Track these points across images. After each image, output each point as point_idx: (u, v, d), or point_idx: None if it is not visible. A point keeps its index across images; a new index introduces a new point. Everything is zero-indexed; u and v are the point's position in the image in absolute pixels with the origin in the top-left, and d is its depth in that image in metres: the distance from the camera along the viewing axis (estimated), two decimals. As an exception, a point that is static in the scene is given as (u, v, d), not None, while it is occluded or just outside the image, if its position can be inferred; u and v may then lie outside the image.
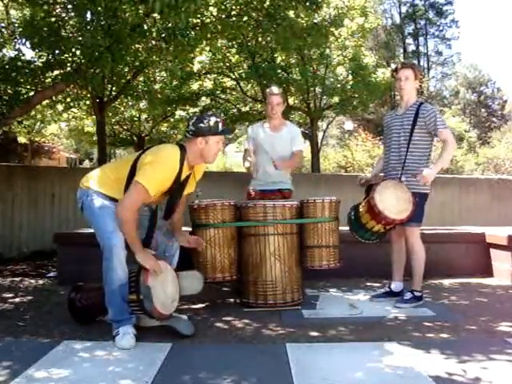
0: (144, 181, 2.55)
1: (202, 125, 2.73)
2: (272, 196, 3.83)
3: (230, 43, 11.40)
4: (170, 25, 5.05)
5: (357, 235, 3.51)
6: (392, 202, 3.23)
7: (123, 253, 2.60)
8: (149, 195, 2.59)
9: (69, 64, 5.52)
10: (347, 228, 3.56)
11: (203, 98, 14.74)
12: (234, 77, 13.97)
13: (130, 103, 13.33)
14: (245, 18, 6.68)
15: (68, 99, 8.78)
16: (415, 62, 32.78)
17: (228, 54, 12.89)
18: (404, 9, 34.31)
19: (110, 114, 13.42)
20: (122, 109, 14.22)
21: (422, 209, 3.41)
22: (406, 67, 3.48)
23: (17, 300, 3.65)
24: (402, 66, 3.52)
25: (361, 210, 3.42)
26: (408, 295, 3.39)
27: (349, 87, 13.55)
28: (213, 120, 2.74)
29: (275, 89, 4.01)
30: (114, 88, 10.19)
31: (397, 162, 3.43)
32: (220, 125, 2.78)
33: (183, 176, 2.75)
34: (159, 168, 2.61)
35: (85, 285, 3.07)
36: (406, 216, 3.22)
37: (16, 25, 5.91)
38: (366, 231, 3.43)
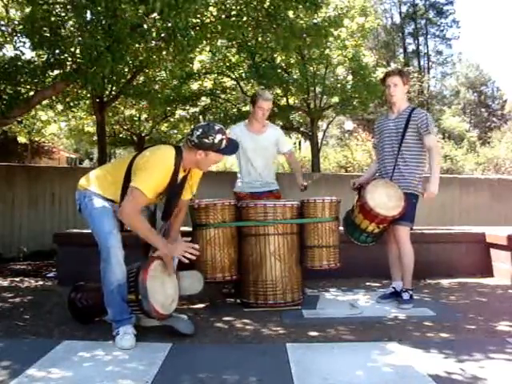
0: (140, 185, 2.54)
1: (206, 140, 2.66)
2: (264, 197, 3.82)
3: (229, 43, 11.40)
4: (169, 25, 5.04)
5: (352, 238, 3.53)
6: (383, 199, 3.27)
7: (121, 253, 2.60)
8: (147, 198, 2.60)
9: (69, 64, 5.52)
10: (346, 228, 3.57)
11: (203, 98, 14.74)
12: (233, 77, 13.98)
13: (131, 103, 13.32)
14: (245, 18, 6.67)
15: (68, 99, 8.77)
16: (414, 62, 32.82)
17: (228, 54, 12.89)
18: (404, 8, 34.31)
19: (110, 113, 13.41)
20: (122, 108, 14.21)
21: (414, 209, 3.43)
22: (393, 74, 3.52)
23: (17, 300, 3.65)
24: (389, 74, 3.56)
25: (354, 211, 3.44)
26: (406, 295, 3.40)
27: (349, 87, 13.56)
28: (218, 138, 2.68)
29: (268, 94, 3.93)
30: (113, 88, 10.18)
31: (391, 165, 3.46)
32: (224, 142, 2.72)
33: (179, 177, 2.75)
34: (154, 171, 2.60)
35: (85, 284, 3.08)
36: (398, 212, 3.25)
37: (16, 22, 5.90)
38: (360, 233, 3.46)
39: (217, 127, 2.72)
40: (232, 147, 2.85)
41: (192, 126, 16.48)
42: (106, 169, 2.96)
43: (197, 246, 2.72)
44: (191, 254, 2.66)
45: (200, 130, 2.69)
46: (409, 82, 3.60)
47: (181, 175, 2.75)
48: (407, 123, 3.41)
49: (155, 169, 2.61)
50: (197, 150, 2.70)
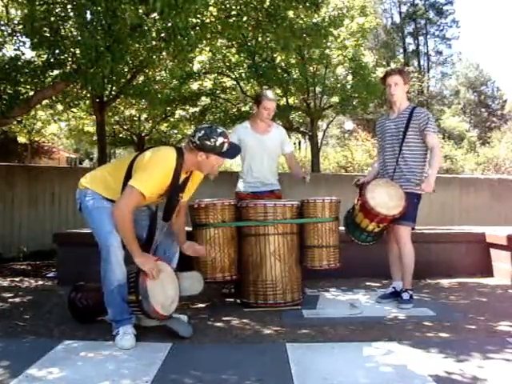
0: (138, 185, 2.55)
1: (207, 142, 2.67)
2: (265, 197, 3.83)
3: (229, 43, 11.40)
4: (169, 25, 5.04)
5: (353, 237, 3.53)
6: (383, 198, 3.26)
7: (121, 253, 2.60)
8: (143, 198, 2.60)
9: (69, 64, 5.52)
10: (347, 228, 3.57)
11: (203, 98, 14.74)
12: (233, 76, 13.98)
13: (130, 103, 13.32)
14: (245, 18, 6.67)
15: (68, 99, 8.77)
16: (414, 61, 32.83)
17: (228, 54, 12.89)
18: (404, 8, 34.34)
19: (110, 113, 13.41)
20: (122, 108, 14.22)
21: (416, 208, 3.43)
22: (393, 73, 3.52)
23: (17, 300, 3.65)
24: (390, 73, 3.56)
25: (355, 210, 3.44)
26: (406, 295, 3.39)
27: (349, 87, 13.57)
28: (220, 140, 2.68)
29: (272, 94, 3.93)
30: (113, 88, 10.18)
31: (392, 164, 3.46)
32: (225, 146, 2.72)
33: (181, 179, 2.75)
34: (153, 171, 2.61)
35: (85, 285, 3.08)
36: (399, 212, 3.24)
37: (16, 22, 5.90)
38: (361, 232, 3.45)
39: (219, 130, 2.72)
40: (233, 151, 2.85)
41: (193, 127, 16.53)
42: (106, 169, 2.96)
43: (160, 272, 2.65)
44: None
45: (202, 132, 2.69)
46: (409, 81, 3.59)
47: (182, 177, 2.76)
48: (408, 123, 3.41)
49: (155, 169, 2.62)
50: (198, 152, 2.70)
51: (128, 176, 2.65)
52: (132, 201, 2.57)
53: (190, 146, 2.72)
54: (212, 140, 2.67)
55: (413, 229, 3.46)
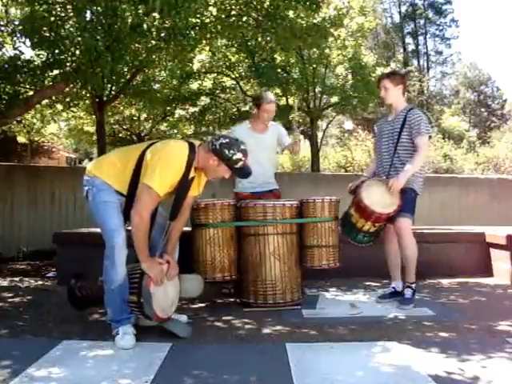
0: (154, 185, 2.51)
1: (226, 151, 2.64)
2: (264, 197, 3.81)
3: (229, 43, 11.41)
4: (169, 25, 5.04)
5: (349, 237, 3.52)
6: (377, 196, 3.26)
7: (124, 252, 2.60)
8: (159, 197, 2.59)
9: (68, 64, 5.52)
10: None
11: (203, 98, 14.75)
12: (233, 76, 13.99)
13: (130, 103, 13.31)
14: (245, 18, 6.68)
15: (67, 99, 8.77)
16: (414, 61, 32.84)
17: (228, 54, 12.90)
18: (404, 8, 34.36)
19: (110, 113, 13.40)
20: (122, 108, 14.21)
21: (413, 201, 3.40)
22: (382, 78, 3.53)
23: (17, 300, 3.65)
24: (379, 77, 3.57)
25: (351, 210, 3.44)
26: (408, 293, 3.38)
27: (348, 87, 13.58)
28: (238, 156, 2.66)
29: (271, 96, 3.93)
30: (113, 87, 10.18)
31: (388, 164, 3.46)
32: (240, 163, 2.69)
33: (190, 176, 2.72)
34: (167, 169, 2.57)
35: (85, 274, 3.04)
36: (393, 210, 3.23)
37: (16, 22, 5.90)
38: (357, 232, 3.44)
39: (243, 147, 2.70)
40: (244, 172, 2.81)
41: (192, 127, 16.48)
42: (116, 155, 2.85)
43: (166, 280, 2.66)
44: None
45: (226, 140, 2.68)
46: (402, 82, 3.51)
47: (191, 174, 2.72)
48: (403, 124, 3.40)
49: (169, 168, 2.58)
50: (213, 155, 2.67)
51: (137, 169, 2.62)
52: (151, 203, 2.55)
53: (209, 147, 2.70)
54: (231, 152, 2.65)
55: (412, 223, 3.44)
